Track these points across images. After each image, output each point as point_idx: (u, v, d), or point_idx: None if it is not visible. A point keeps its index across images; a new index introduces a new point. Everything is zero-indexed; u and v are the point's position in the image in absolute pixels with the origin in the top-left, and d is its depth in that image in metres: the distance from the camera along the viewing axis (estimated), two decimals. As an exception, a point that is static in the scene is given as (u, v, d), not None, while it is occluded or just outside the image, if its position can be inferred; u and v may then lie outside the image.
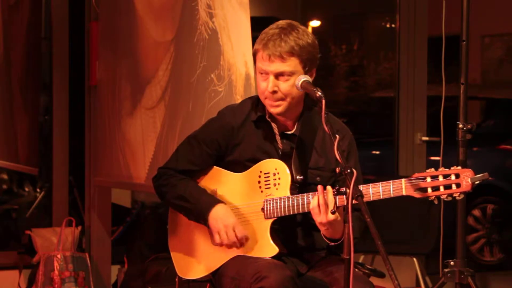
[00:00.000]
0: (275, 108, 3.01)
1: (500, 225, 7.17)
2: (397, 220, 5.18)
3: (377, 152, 7.73)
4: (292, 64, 2.96)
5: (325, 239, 2.95)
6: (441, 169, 2.80)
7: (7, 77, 5.97)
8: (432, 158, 5.75)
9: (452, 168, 2.80)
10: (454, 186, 2.78)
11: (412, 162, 5.70)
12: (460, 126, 3.68)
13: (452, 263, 3.70)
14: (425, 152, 5.72)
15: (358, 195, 2.63)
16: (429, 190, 2.79)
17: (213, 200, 3.08)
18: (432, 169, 2.81)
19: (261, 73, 3.00)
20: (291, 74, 2.97)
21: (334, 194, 2.83)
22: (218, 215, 3.04)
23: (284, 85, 2.97)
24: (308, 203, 2.91)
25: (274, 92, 2.97)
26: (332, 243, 2.95)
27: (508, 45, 9.88)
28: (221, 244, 3.05)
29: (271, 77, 2.97)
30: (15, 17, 5.89)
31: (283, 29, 2.98)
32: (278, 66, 2.96)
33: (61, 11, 5.25)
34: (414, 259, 5.07)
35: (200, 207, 3.07)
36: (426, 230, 5.08)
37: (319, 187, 2.86)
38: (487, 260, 7.14)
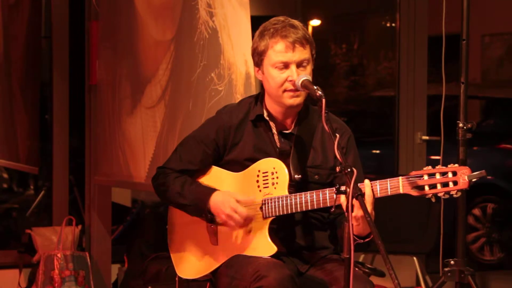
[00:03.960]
0: (295, 98, 3.00)
1: (500, 225, 7.17)
2: (397, 219, 5.18)
3: (377, 152, 7.74)
4: (309, 51, 2.99)
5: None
6: (438, 167, 2.80)
7: (7, 76, 5.97)
8: (432, 157, 5.75)
9: (449, 166, 2.80)
10: (451, 184, 2.78)
11: (412, 161, 5.70)
12: (460, 125, 3.68)
13: (452, 262, 3.70)
14: (425, 151, 5.73)
15: (358, 194, 2.63)
16: (426, 188, 2.79)
17: (208, 191, 3.07)
18: (429, 167, 2.81)
19: (278, 67, 2.97)
20: (308, 62, 2.99)
21: (335, 193, 2.82)
22: (216, 204, 3.03)
23: (305, 74, 2.97)
24: (306, 201, 2.91)
25: None
26: (361, 240, 2.89)
27: (508, 44, 9.88)
28: (235, 228, 3.02)
29: (293, 67, 2.97)
30: (15, 16, 5.90)
31: (286, 21, 2.99)
32: (301, 53, 2.96)
33: (61, 10, 5.25)
34: (414, 258, 5.07)
35: (197, 202, 3.07)
36: (426, 229, 5.08)
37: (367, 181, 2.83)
38: (487, 260, 7.14)
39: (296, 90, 2.97)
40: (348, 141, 3.09)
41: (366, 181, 2.82)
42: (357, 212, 2.77)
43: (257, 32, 3.05)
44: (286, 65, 2.97)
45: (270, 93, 3.05)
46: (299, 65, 2.97)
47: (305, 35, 2.97)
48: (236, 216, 2.99)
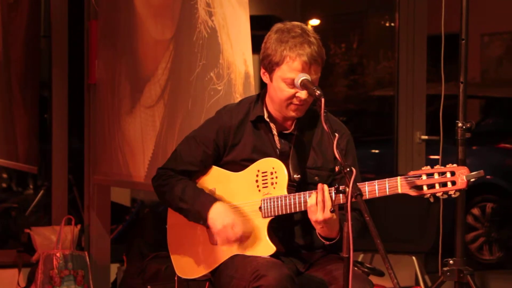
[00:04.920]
0: (300, 112, 3.00)
1: (499, 224, 7.17)
2: (397, 219, 5.19)
3: (377, 151, 7.74)
4: (321, 68, 2.96)
5: (320, 238, 2.95)
6: (437, 166, 2.80)
7: (7, 75, 5.97)
8: (432, 156, 5.75)
9: (447, 165, 2.80)
10: (449, 184, 2.77)
11: (412, 161, 5.70)
12: (460, 124, 3.68)
13: (451, 261, 3.70)
14: (425, 151, 5.73)
15: (358, 193, 2.63)
16: (425, 188, 2.79)
17: (210, 200, 3.07)
18: (428, 167, 2.81)
19: (289, 82, 2.94)
20: (318, 78, 2.96)
21: (334, 193, 2.83)
22: (215, 215, 3.03)
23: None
24: (305, 201, 2.91)
25: (305, 98, 2.96)
26: (327, 242, 2.95)
27: (507, 44, 9.88)
28: (221, 244, 3.04)
29: None
30: (15, 15, 5.89)
31: (303, 34, 2.94)
32: (314, 73, 2.93)
33: (61, 10, 5.25)
34: (414, 257, 5.07)
35: (197, 209, 3.07)
36: (425, 229, 5.08)
37: (320, 185, 2.86)
38: (486, 259, 7.14)
39: (302, 104, 2.97)
40: (347, 144, 3.09)
41: (319, 185, 2.86)
42: (317, 216, 2.83)
43: (272, 36, 2.99)
44: None
45: (273, 101, 3.04)
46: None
47: (320, 53, 2.94)
48: (230, 232, 2.99)
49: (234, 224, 3.01)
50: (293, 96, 2.96)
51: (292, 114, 3.00)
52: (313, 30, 3.03)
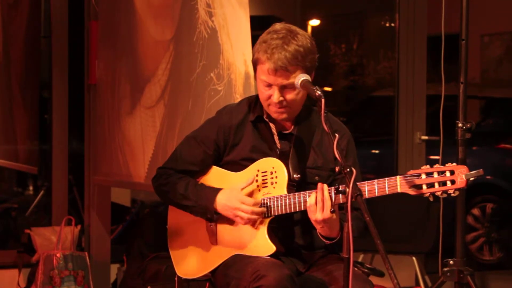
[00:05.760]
0: (280, 114, 3.02)
1: (499, 224, 7.18)
2: (397, 219, 5.19)
3: (377, 151, 7.74)
4: (298, 73, 2.95)
5: (321, 237, 2.95)
6: (436, 166, 2.80)
7: (7, 76, 5.98)
8: (432, 157, 5.75)
9: (447, 165, 2.80)
10: (449, 183, 2.77)
11: (412, 161, 5.70)
12: (460, 125, 3.69)
13: (451, 262, 3.70)
14: (425, 151, 5.73)
15: (358, 194, 2.63)
16: (424, 187, 2.79)
17: (214, 191, 3.07)
18: (427, 166, 2.81)
19: (264, 83, 2.98)
20: (293, 85, 2.96)
21: (334, 193, 2.83)
22: (223, 203, 3.03)
23: (290, 96, 2.97)
24: (305, 201, 2.91)
25: (280, 102, 2.97)
26: (328, 242, 2.95)
27: (507, 44, 9.88)
28: (247, 223, 3.02)
29: (276, 88, 2.96)
30: (15, 16, 5.90)
31: (284, 39, 2.94)
32: (283, 79, 2.94)
33: (61, 10, 5.25)
34: (414, 258, 5.07)
35: (203, 203, 3.07)
36: (425, 229, 5.08)
37: (319, 185, 2.86)
38: (487, 259, 7.14)
39: (280, 107, 2.98)
40: (347, 145, 3.10)
41: (319, 185, 2.86)
42: (317, 216, 2.83)
43: (262, 35, 3.02)
44: (269, 85, 2.97)
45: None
46: (283, 87, 2.97)
47: (296, 60, 2.92)
48: (244, 207, 2.99)
49: (242, 202, 3.00)
50: (269, 97, 2.97)
51: (275, 115, 3.03)
52: (309, 34, 3.02)
